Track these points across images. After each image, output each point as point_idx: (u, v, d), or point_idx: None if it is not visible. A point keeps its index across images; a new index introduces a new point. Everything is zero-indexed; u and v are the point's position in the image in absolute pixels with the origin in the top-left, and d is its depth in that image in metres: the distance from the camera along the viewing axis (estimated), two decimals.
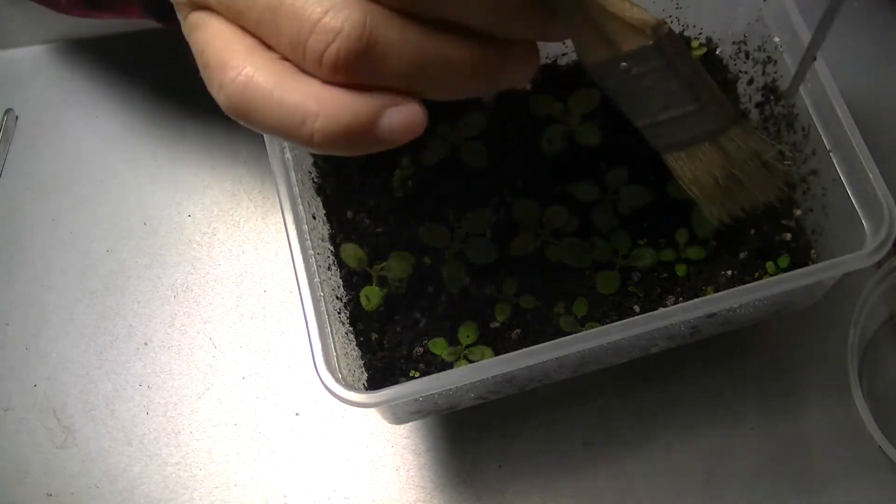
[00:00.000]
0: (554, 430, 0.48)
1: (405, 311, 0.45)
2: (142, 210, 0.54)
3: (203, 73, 0.30)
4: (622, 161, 0.47)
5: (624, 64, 0.30)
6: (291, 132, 0.28)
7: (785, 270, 0.44)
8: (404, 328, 0.45)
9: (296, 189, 0.41)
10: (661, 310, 0.38)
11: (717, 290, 0.43)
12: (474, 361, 0.41)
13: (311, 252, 0.40)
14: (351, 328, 0.45)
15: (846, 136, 0.41)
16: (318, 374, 0.37)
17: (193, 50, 0.30)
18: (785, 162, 0.43)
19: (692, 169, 0.34)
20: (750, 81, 0.48)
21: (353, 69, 0.27)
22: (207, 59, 0.29)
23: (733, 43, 0.49)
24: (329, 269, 0.45)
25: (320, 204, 0.47)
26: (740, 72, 0.49)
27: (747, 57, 0.48)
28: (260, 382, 0.50)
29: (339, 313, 0.44)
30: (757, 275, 0.45)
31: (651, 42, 0.30)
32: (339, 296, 0.45)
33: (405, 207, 0.47)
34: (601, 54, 0.30)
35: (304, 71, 0.28)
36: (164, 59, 0.57)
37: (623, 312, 0.44)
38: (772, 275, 0.44)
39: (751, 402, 0.48)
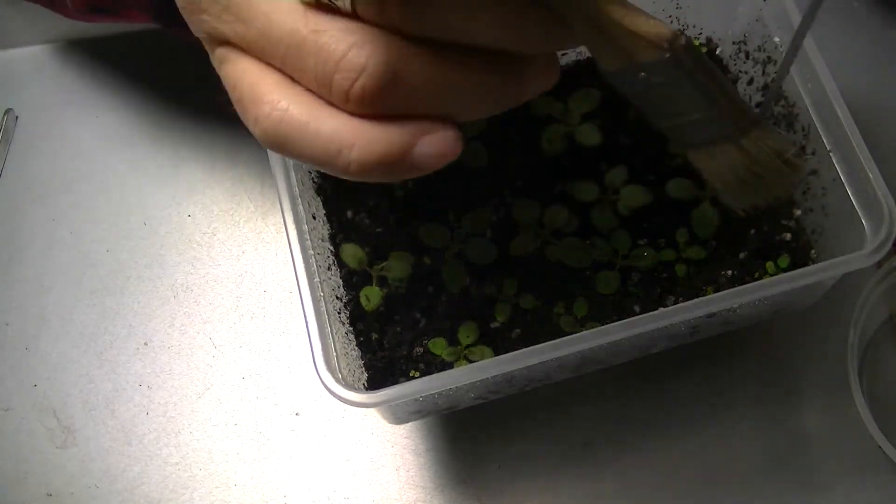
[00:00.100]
0: (554, 430, 0.48)
1: (405, 311, 0.45)
2: (142, 210, 0.54)
3: (237, 107, 0.30)
4: (622, 161, 0.47)
5: (642, 74, 0.30)
6: (328, 163, 0.29)
7: (785, 270, 0.44)
8: (404, 328, 0.45)
9: (296, 189, 0.41)
10: (661, 310, 0.38)
11: (717, 290, 0.43)
12: (474, 361, 0.41)
13: (311, 252, 0.40)
14: (351, 328, 0.45)
15: (846, 136, 0.41)
16: (318, 374, 0.37)
17: (224, 83, 0.31)
18: (805, 156, 0.43)
19: (714, 165, 0.34)
20: (750, 81, 0.49)
21: (381, 102, 0.28)
22: (240, 95, 0.30)
23: (733, 43, 0.49)
24: (329, 269, 0.45)
25: (320, 204, 0.47)
26: (740, 72, 0.49)
27: (747, 57, 0.48)
28: (260, 382, 0.50)
29: (339, 313, 0.44)
30: (757, 275, 0.45)
31: (668, 56, 0.30)
32: (339, 296, 0.45)
33: (405, 207, 0.47)
34: (618, 63, 0.31)
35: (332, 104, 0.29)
36: (164, 59, 0.57)
37: (623, 312, 0.44)
38: (772, 275, 0.44)
39: (751, 402, 0.48)
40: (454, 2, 0.27)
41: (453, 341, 0.44)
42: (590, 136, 0.48)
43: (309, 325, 0.38)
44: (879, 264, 0.45)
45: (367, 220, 0.47)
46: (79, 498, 0.47)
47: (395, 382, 0.39)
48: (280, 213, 0.40)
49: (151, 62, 0.57)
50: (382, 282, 0.45)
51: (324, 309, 0.39)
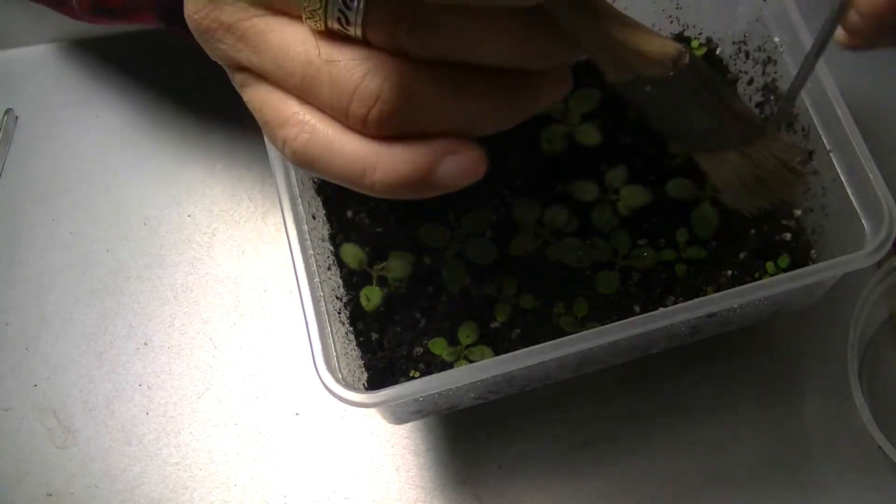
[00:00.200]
0: (554, 430, 0.48)
1: (405, 311, 0.45)
2: (142, 210, 0.54)
3: (263, 130, 0.31)
4: (622, 161, 0.47)
5: (648, 88, 0.31)
6: (355, 182, 0.29)
7: (785, 270, 0.44)
8: (404, 328, 0.45)
9: (296, 189, 0.41)
10: (661, 310, 0.38)
11: (717, 290, 0.43)
12: (474, 361, 0.41)
13: (311, 252, 0.40)
14: (351, 328, 0.45)
15: (846, 136, 0.41)
16: (318, 374, 0.37)
17: (248, 106, 0.32)
18: (811, 162, 0.43)
19: (719, 170, 0.35)
20: (750, 81, 0.49)
21: (398, 126, 0.28)
22: (266, 119, 0.31)
23: (733, 43, 0.49)
24: (329, 269, 0.45)
25: (320, 204, 0.47)
26: (740, 72, 0.49)
27: (747, 57, 0.48)
28: (260, 382, 0.50)
29: (339, 313, 0.44)
30: (757, 275, 0.45)
31: (672, 73, 0.30)
32: (339, 296, 0.45)
33: (405, 207, 0.47)
34: (623, 77, 0.31)
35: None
36: (164, 59, 0.57)
37: (623, 312, 0.44)
38: (772, 275, 0.44)
39: (751, 401, 0.48)
40: (462, 26, 0.28)
41: (453, 341, 0.44)
42: (590, 135, 0.48)
43: (309, 325, 0.38)
44: (879, 264, 0.45)
45: (367, 220, 0.47)
46: (79, 498, 0.47)
47: (395, 382, 0.39)
48: (280, 213, 0.40)
49: (151, 62, 0.57)
50: (382, 282, 0.45)
51: (324, 309, 0.39)
